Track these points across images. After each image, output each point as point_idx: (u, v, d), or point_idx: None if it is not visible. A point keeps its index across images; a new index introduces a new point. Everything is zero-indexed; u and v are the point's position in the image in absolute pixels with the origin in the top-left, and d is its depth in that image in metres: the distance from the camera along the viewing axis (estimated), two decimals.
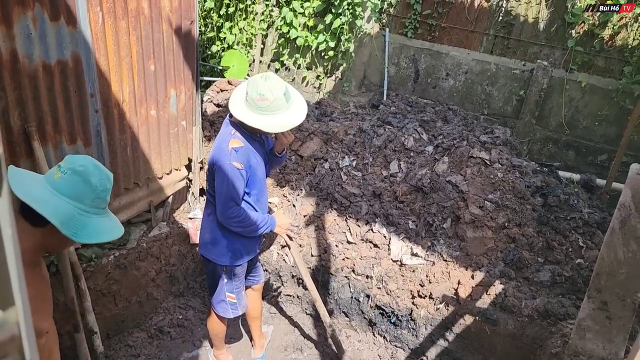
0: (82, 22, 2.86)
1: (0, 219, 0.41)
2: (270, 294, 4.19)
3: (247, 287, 3.44)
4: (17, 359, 0.38)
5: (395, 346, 3.80)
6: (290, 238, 3.24)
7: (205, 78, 5.62)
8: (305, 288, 3.91)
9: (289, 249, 3.30)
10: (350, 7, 5.54)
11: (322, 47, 5.85)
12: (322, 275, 4.01)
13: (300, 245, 4.00)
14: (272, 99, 2.65)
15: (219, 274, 3.10)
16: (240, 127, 2.81)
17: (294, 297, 4.12)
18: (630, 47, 4.69)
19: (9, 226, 0.42)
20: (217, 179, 2.79)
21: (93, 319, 3.09)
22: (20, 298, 0.41)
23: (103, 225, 1.72)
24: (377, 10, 5.70)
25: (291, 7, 5.90)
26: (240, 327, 3.96)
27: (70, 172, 1.66)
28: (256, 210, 2.98)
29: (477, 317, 3.44)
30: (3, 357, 0.38)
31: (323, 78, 6.17)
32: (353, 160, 4.34)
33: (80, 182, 1.66)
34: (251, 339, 3.77)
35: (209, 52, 6.16)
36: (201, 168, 4.27)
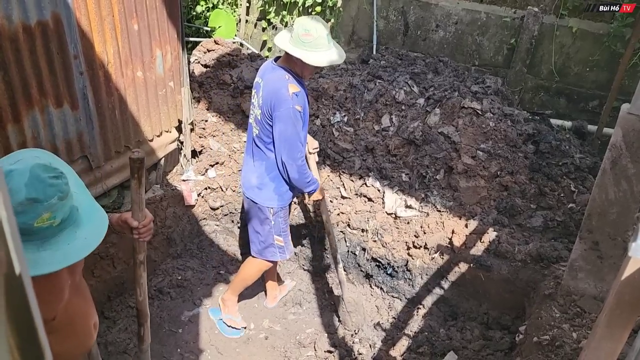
0: None
1: None
2: None
3: None
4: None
5: (392, 297, 3.87)
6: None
7: (192, 39, 5.51)
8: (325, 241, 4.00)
9: (322, 209, 3.48)
10: None
11: (308, 2, 5.72)
12: (317, 231, 4.04)
13: (295, 203, 4.02)
14: (316, 36, 2.86)
15: (267, 217, 3.24)
16: (291, 71, 2.98)
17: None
18: None
19: None
20: (279, 124, 2.94)
21: None
22: None
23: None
24: None
25: None
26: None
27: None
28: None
29: (471, 265, 3.50)
30: None
31: None
32: (344, 116, 4.31)
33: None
34: (265, 288, 3.88)
35: (194, 13, 6.02)
36: (192, 130, 4.24)
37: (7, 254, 0.44)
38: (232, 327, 3.58)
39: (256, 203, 3.23)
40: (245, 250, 3.88)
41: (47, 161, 1.44)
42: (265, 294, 3.90)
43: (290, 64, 2.98)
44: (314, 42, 2.87)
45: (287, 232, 3.40)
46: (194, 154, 4.33)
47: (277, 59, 3.10)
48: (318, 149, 3.49)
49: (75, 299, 1.76)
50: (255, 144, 3.16)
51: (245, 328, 3.64)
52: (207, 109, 4.40)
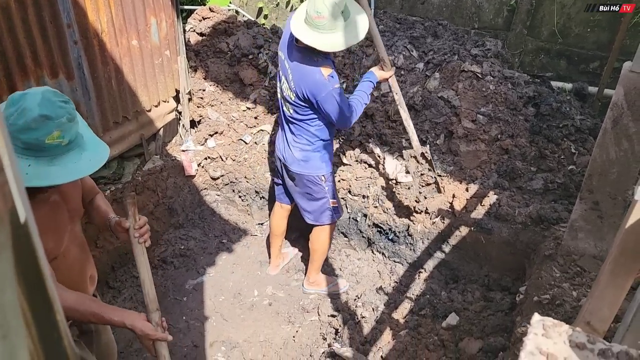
0: None
1: None
2: (268, 221, 4.25)
3: (280, 208, 3.66)
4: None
5: (394, 261, 3.91)
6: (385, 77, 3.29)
7: (187, 7, 5.41)
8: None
9: (390, 84, 3.34)
10: None
11: None
12: None
13: None
14: (328, 17, 2.68)
15: (319, 185, 3.27)
16: (316, 52, 2.83)
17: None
18: None
19: None
20: (326, 106, 2.89)
21: None
22: None
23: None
24: None
25: None
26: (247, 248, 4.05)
27: (9, 97, 1.56)
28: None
29: (472, 228, 3.52)
30: None
31: None
32: (343, 82, 4.27)
33: (1, 107, 1.55)
34: (269, 256, 3.93)
35: None
36: (190, 99, 4.20)
37: (12, 202, 0.44)
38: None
39: (305, 175, 3.23)
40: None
41: (52, 90, 1.60)
42: (269, 262, 3.93)
43: None
44: (327, 25, 2.70)
45: (335, 192, 3.45)
46: (193, 124, 4.30)
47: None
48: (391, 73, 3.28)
49: (74, 248, 1.89)
50: (291, 120, 3.12)
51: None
52: (205, 78, 4.36)
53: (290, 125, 3.17)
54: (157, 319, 1.87)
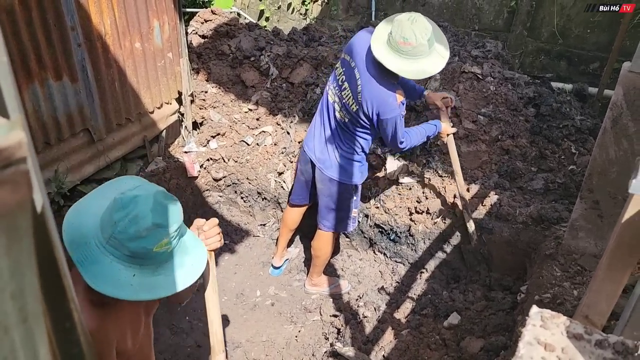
0: None
1: None
2: (271, 221, 4.28)
3: (296, 205, 3.66)
4: (25, 170, 0.40)
5: (396, 262, 3.92)
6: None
7: (189, 10, 5.45)
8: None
9: (448, 145, 3.36)
10: None
11: None
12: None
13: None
14: (416, 44, 2.62)
15: (348, 194, 3.28)
16: (395, 74, 2.77)
17: None
18: None
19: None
20: (386, 127, 2.90)
21: None
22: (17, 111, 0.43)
23: (120, 275, 1.38)
24: None
25: None
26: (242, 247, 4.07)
27: (119, 194, 1.41)
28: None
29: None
30: (11, 163, 0.39)
31: (309, 3, 5.99)
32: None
33: (108, 208, 1.40)
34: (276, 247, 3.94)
35: None
36: (192, 101, 4.23)
37: (32, 191, 0.46)
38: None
39: (338, 181, 3.22)
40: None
41: (160, 189, 1.48)
42: (275, 253, 3.93)
43: None
44: (412, 51, 2.64)
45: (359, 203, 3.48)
46: (195, 125, 4.33)
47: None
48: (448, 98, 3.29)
49: (146, 340, 1.79)
50: (342, 126, 3.08)
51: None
52: (207, 80, 4.39)
53: (339, 129, 3.11)
54: None
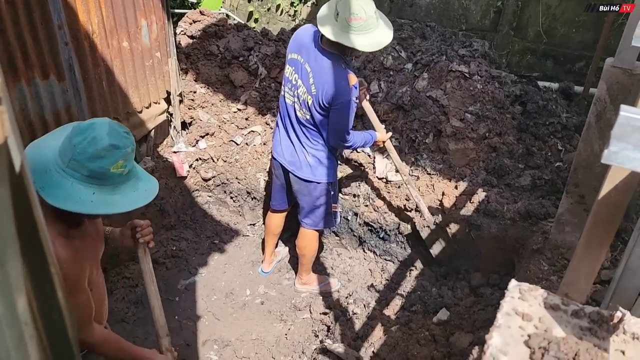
0: None
1: None
2: (261, 221, 4.28)
3: (277, 210, 3.67)
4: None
5: (385, 260, 3.94)
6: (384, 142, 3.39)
7: (177, 11, 5.44)
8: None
9: (390, 152, 3.44)
10: None
11: None
12: None
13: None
14: (366, 17, 2.68)
15: (326, 191, 3.29)
16: (342, 57, 2.84)
17: None
18: None
19: None
20: (335, 114, 2.91)
21: None
22: None
23: (80, 194, 1.55)
24: None
25: None
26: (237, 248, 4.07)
27: (77, 123, 1.61)
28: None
29: (461, 225, 3.56)
30: None
31: (298, 5, 6.01)
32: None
33: (67, 137, 1.58)
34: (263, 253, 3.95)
35: None
36: (180, 101, 4.23)
37: (6, 136, 0.46)
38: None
39: (312, 182, 3.22)
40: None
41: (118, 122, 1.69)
42: (263, 259, 3.94)
43: (340, 47, 2.80)
44: (364, 25, 2.69)
45: (337, 198, 3.50)
46: (184, 125, 4.32)
47: (315, 31, 2.93)
48: (365, 87, 3.33)
49: (100, 278, 1.99)
50: (306, 125, 3.08)
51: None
52: (195, 80, 4.38)
53: (303, 129, 3.11)
54: (167, 345, 2.03)
